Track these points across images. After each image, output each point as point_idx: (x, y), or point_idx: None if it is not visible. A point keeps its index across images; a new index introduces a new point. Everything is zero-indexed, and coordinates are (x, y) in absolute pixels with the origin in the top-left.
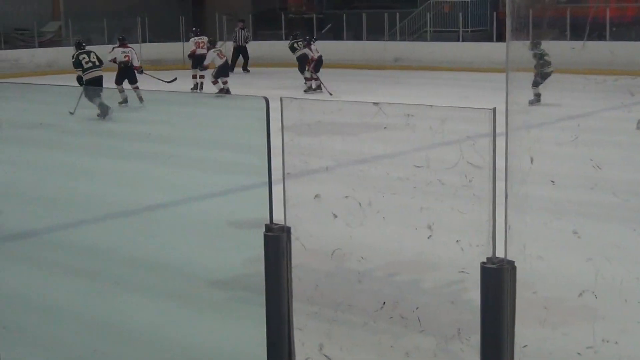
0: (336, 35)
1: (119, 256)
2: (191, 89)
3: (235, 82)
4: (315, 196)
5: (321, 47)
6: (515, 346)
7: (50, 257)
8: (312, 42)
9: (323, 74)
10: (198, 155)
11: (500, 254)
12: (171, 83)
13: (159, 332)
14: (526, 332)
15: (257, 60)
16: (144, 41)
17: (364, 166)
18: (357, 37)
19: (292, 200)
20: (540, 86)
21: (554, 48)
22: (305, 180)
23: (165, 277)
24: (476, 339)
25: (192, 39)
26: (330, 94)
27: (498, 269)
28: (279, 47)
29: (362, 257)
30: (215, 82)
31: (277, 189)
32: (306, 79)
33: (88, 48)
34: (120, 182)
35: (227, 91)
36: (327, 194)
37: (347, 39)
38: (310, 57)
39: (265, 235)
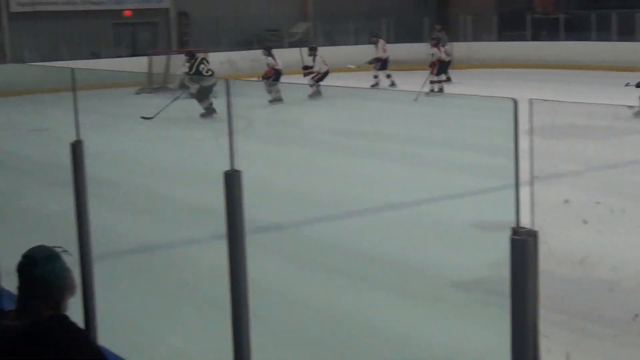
0: (582, 36)
1: (361, 253)
2: (431, 91)
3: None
4: (565, 201)
5: (564, 48)
6: None
7: (297, 251)
8: (440, 43)
9: (568, 75)
10: (441, 155)
11: None
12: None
13: (400, 330)
14: None
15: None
16: (389, 42)
17: (617, 171)
18: (605, 37)
19: (540, 204)
20: None
21: None
22: (553, 184)
23: (407, 276)
24: None
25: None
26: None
27: None
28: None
29: (613, 266)
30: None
31: (524, 193)
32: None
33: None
34: (365, 180)
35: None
36: (577, 199)
37: (595, 39)
38: (438, 59)
39: (511, 239)
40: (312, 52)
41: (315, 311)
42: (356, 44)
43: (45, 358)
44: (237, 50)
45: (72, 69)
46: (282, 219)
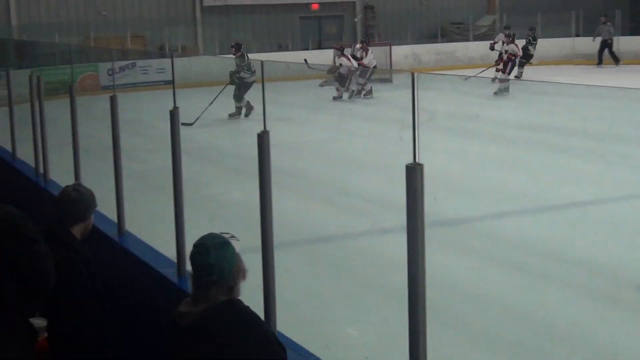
0: None
1: (545, 250)
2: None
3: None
4: None
5: None
6: None
7: (479, 246)
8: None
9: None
10: (630, 152)
11: None
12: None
13: (583, 330)
14: None
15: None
16: (577, 35)
17: None
18: None
19: None
20: None
21: None
22: None
23: (592, 275)
24: None
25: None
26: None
27: None
28: None
29: None
30: None
31: None
32: None
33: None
34: (550, 175)
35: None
36: None
37: None
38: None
39: None
40: (363, 45)
41: (494, 307)
42: (544, 37)
43: (221, 342)
44: (421, 43)
45: (262, 61)
46: (463, 214)
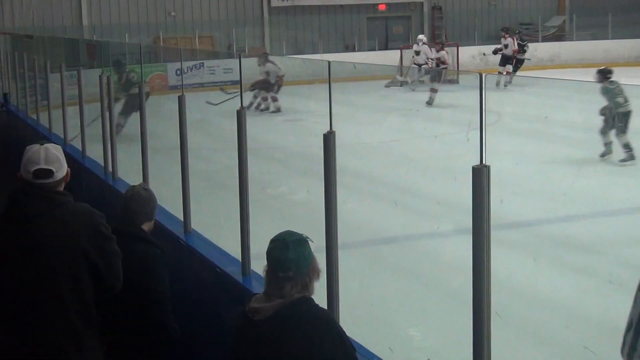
0: None
1: (612, 254)
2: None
3: None
4: None
5: None
6: None
7: (545, 249)
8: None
9: None
10: None
11: None
12: None
13: None
14: None
15: None
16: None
17: None
18: None
19: None
20: None
21: None
22: None
23: None
24: None
25: None
26: None
27: None
28: None
29: None
30: None
31: None
32: None
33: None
34: (618, 178)
35: None
36: None
37: None
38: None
39: None
40: (439, 46)
41: (560, 311)
42: (615, 37)
43: (297, 336)
44: (489, 44)
45: (329, 62)
46: (529, 216)
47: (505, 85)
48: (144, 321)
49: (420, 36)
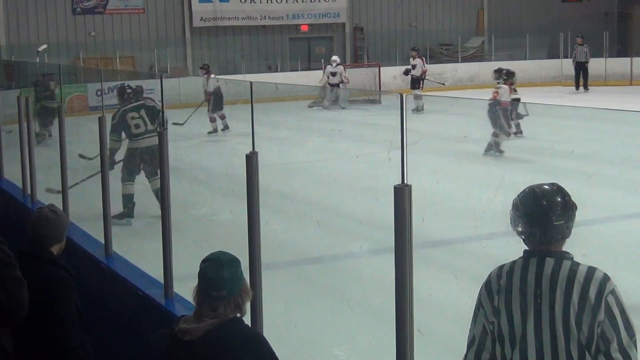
0: None
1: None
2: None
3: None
4: None
5: None
6: None
7: (466, 267)
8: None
9: None
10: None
11: None
12: None
13: None
14: None
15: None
16: (565, 57)
17: None
18: None
19: None
20: None
21: None
22: None
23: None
24: None
25: None
26: None
27: None
28: None
29: None
30: None
31: None
32: None
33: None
34: None
35: None
36: None
37: None
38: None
39: None
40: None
41: None
42: (532, 58)
43: (225, 358)
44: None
45: (251, 82)
46: (450, 235)
47: (419, 111)
48: (51, 346)
49: (334, 57)
